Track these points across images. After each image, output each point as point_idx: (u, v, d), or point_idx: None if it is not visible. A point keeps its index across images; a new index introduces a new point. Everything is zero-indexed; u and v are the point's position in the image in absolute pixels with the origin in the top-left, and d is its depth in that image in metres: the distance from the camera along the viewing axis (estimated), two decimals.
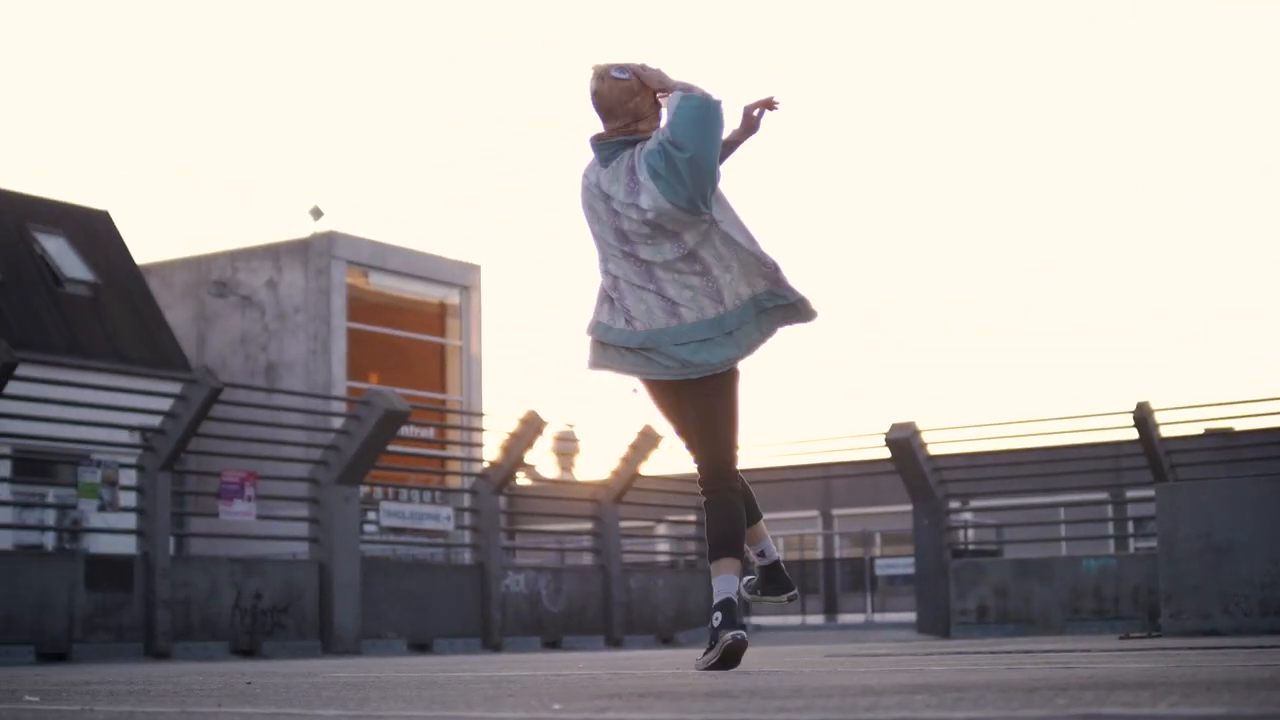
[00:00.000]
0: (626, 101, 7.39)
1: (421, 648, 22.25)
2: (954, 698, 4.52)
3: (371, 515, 24.74)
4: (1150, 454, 23.87)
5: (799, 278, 7.48)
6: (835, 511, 44.80)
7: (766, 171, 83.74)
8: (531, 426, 23.60)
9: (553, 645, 24.07)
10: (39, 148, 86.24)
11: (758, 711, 4.18)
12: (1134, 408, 23.79)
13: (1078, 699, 4.27)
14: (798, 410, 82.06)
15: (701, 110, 7.19)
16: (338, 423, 22.93)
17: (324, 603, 21.35)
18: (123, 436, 22.95)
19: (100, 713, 4.74)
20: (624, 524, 27.46)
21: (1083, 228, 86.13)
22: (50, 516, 28.01)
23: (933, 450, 25.69)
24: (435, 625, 22.76)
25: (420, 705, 4.87)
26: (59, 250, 35.41)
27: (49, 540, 28.65)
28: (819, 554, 37.50)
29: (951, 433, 26.43)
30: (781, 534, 39.05)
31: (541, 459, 37.20)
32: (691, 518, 28.43)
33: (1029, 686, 4.94)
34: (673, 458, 42.61)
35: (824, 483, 40.84)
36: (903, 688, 5.13)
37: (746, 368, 7.61)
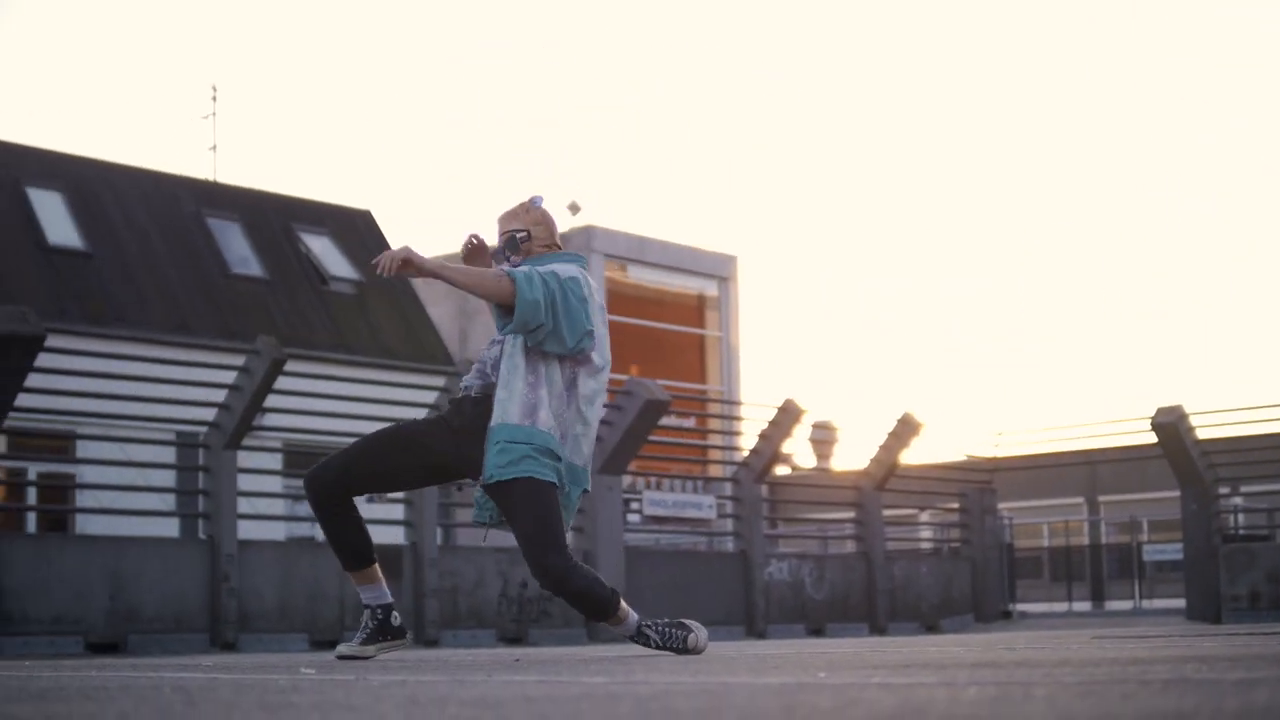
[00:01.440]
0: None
1: None
2: (1226, 665, 4.47)
3: (635, 505, 24.89)
4: None
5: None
6: (1101, 498, 44.17)
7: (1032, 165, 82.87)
8: (790, 415, 23.58)
9: (817, 632, 24.04)
10: (302, 150, 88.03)
11: (1026, 677, 4.17)
12: None
13: None
14: (1062, 396, 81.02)
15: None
16: (604, 414, 23.08)
17: None
18: None
19: (375, 681, 4.87)
20: (887, 512, 27.34)
21: None
22: None
23: (1201, 434, 25.21)
24: (699, 613, 22.73)
25: (685, 673, 4.93)
26: (323, 249, 36.14)
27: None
28: (1085, 540, 36.96)
29: (1220, 416, 25.90)
30: (1046, 520, 38.62)
31: (799, 449, 37.22)
32: (955, 505, 28.22)
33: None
34: (934, 446, 42.22)
35: (1089, 469, 40.31)
36: (1173, 659, 5.09)
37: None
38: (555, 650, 12.04)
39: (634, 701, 3.50)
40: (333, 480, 8.41)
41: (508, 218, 8.43)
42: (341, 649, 8.22)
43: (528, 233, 8.38)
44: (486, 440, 8.07)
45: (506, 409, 8.04)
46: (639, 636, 8.50)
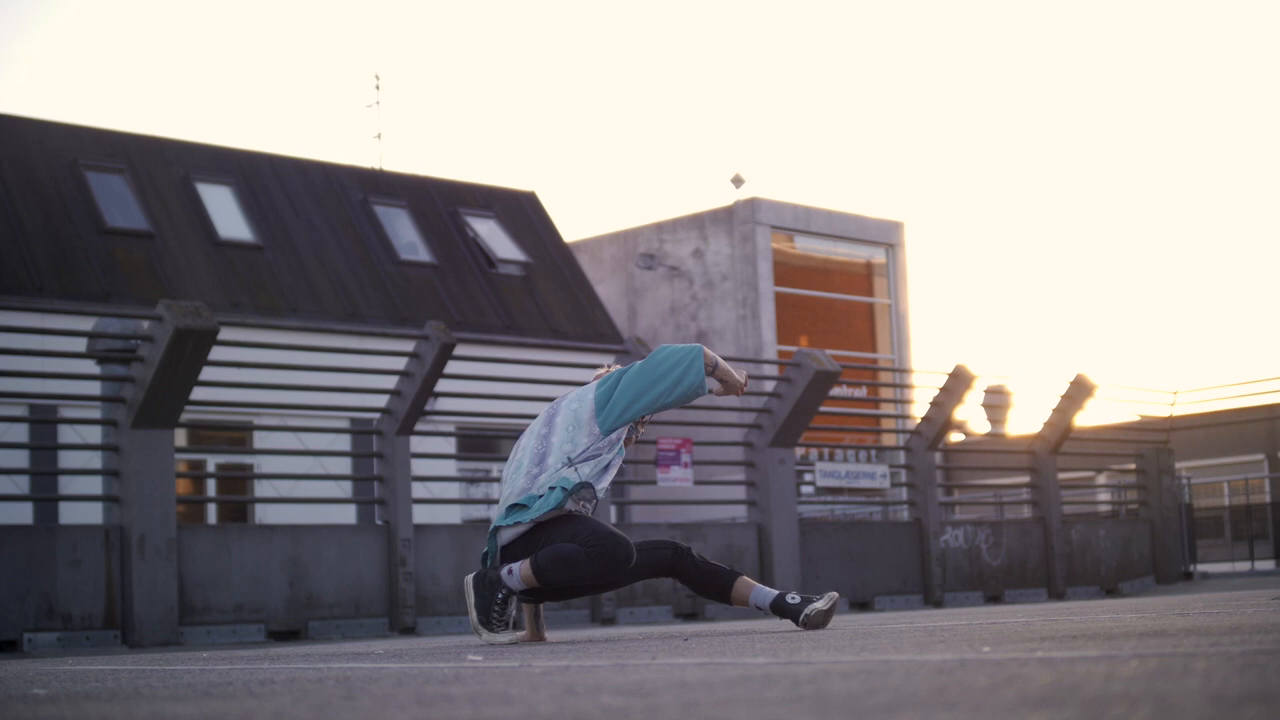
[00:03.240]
0: None
1: (863, 606, 22.29)
2: None
3: (808, 476, 24.84)
4: None
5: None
6: None
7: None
8: (961, 381, 23.43)
9: (995, 599, 23.87)
10: (466, 135, 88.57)
11: (1192, 647, 4.11)
12: None
13: None
14: (1240, 353, 79.81)
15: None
16: (770, 386, 23.04)
17: (764, 564, 21.54)
18: None
19: (538, 667, 4.89)
20: (1062, 475, 27.08)
21: None
22: (495, 490, 28.80)
23: None
24: (875, 583, 22.78)
25: (849, 651, 4.91)
26: (490, 232, 36.38)
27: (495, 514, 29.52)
28: (1266, 498, 36.36)
29: None
30: (1226, 478, 38.05)
31: (973, 414, 36.94)
32: (1131, 466, 27.89)
33: None
34: (1109, 407, 41.84)
35: (1269, 424, 39.69)
36: None
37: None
38: (728, 625, 12.04)
39: (789, 684, 3.49)
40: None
41: None
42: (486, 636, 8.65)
43: None
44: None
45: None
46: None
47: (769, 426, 21.62)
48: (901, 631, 6.62)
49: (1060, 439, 25.24)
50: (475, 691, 3.76)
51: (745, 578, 8.97)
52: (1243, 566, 31.25)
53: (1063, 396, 25.19)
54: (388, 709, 3.38)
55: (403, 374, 18.79)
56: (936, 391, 23.74)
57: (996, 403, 33.22)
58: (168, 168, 32.40)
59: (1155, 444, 27.48)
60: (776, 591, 8.70)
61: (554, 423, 8.94)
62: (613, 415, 8.77)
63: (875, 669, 3.88)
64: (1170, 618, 6.56)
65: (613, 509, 20.90)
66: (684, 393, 8.78)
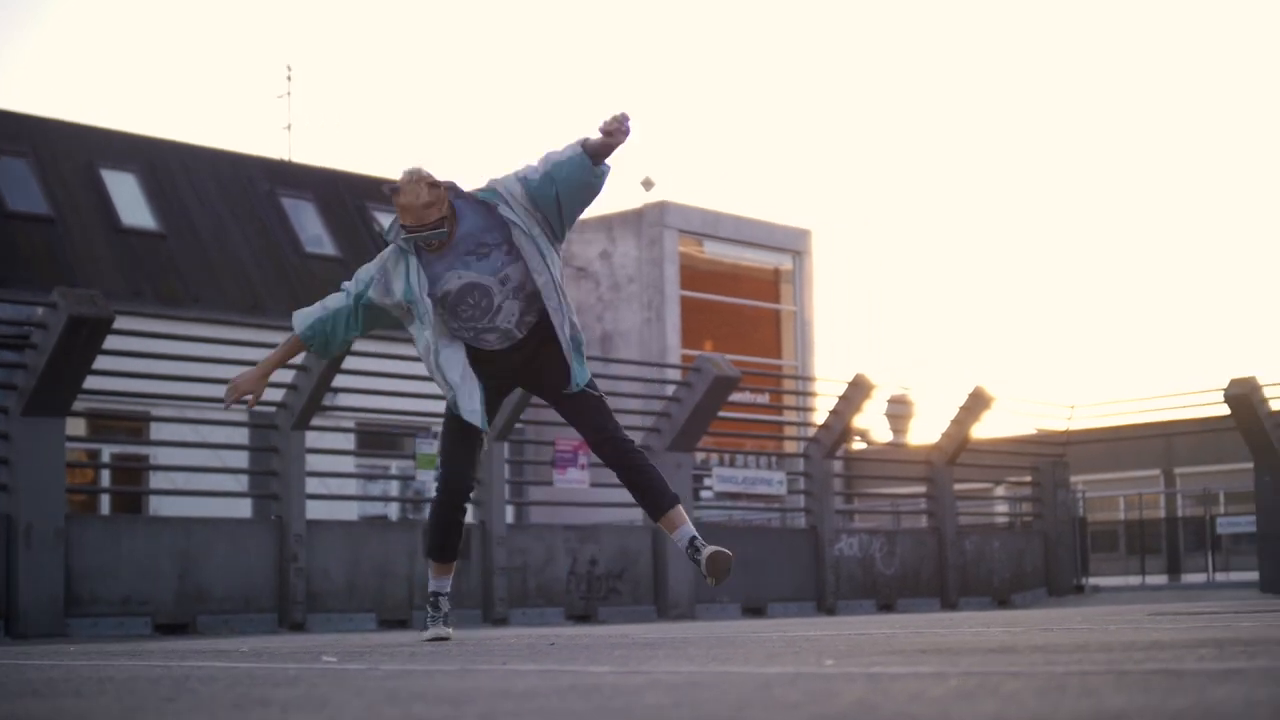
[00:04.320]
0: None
1: (756, 611, 22.35)
2: (1239, 650, 4.43)
3: (707, 481, 24.87)
4: None
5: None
6: (1178, 470, 43.87)
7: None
8: (860, 389, 23.53)
9: (887, 608, 23.99)
10: (377, 128, 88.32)
11: (1024, 666, 4.15)
12: None
13: None
14: (1138, 369, 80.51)
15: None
16: (672, 390, 23.06)
17: (658, 568, 21.57)
18: None
19: (383, 671, 4.88)
20: (960, 486, 27.24)
21: None
22: (394, 488, 28.75)
23: (1276, 405, 25.01)
24: (769, 589, 22.85)
25: (700, 661, 4.92)
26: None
27: (393, 511, 29.43)
28: (1161, 513, 36.71)
29: None
30: (1121, 492, 38.36)
31: (875, 423, 37.11)
32: (1028, 479, 28.10)
33: None
34: (1007, 419, 42.07)
35: (1165, 441, 40.01)
36: (1193, 642, 5.05)
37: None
38: (605, 630, 12.05)
39: (606, 696, 3.50)
40: (471, 481, 9.00)
41: (419, 192, 8.47)
42: (430, 632, 8.66)
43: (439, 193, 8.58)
44: (564, 350, 8.57)
45: (566, 316, 8.58)
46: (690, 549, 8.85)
47: (667, 430, 21.65)
48: (760, 640, 6.64)
49: (957, 450, 25.40)
50: (298, 695, 3.75)
51: (680, 508, 8.99)
52: (1135, 580, 31.53)
53: (961, 408, 25.36)
54: (197, 713, 3.37)
55: (300, 368, 18.71)
56: (836, 400, 23.85)
57: (899, 412, 33.39)
58: (71, 153, 32.12)
59: (1051, 457, 27.69)
60: (692, 534, 8.84)
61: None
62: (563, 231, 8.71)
63: (705, 681, 3.89)
64: (1031, 633, 6.61)
65: (509, 509, 20.87)
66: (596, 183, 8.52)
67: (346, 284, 8.84)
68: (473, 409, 8.50)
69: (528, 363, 8.68)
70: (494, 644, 7.37)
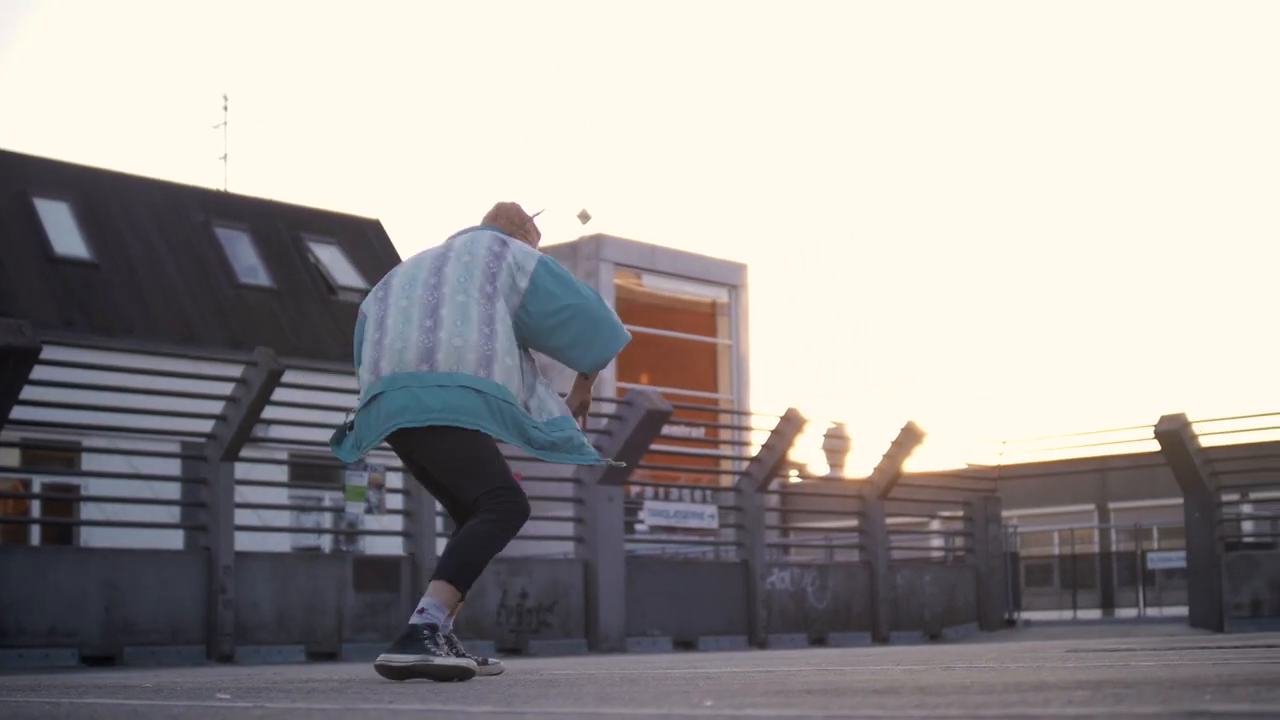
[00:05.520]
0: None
1: (687, 645, 22.37)
2: (1110, 693, 4.49)
3: (641, 514, 24.92)
4: None
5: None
6: (1112, 505, 44.15)
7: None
8: (792, 424, 23.61)
9: (819, 642, 24.04)
10: (313, 160, 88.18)
11: (897, 708, 4.20)
12: None
13: (1227, 695, 4.23)
14: (1071, 404, 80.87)
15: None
16: (604, 423, 23.09)
17: (589, 601, 21.59)
18: None
19: (265, 709, 4.90)
20: (895, 520, 27.35)
21: None
22: (327, 519, 28.70)
23: (1206, 442, 25.19)
24: (701, 623, 22.88)
25: (587, 702, 4.96)
26: (332, 259, 36.19)
27: (325, 543, 29.36)
28: (1094, 548, 36.94)
29: (1226, 423, 25.84)
30: (1056, 528, 38.60)
31: (812, 456, 37.23)
32: (960, 513, 28.22)
33: (1197, 683, 4.89)
34: (939, 454, 42.23)
35: (1100, 476, 40.27)
36: (1076, 684, 5.10)
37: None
38: (522, 665, 12.06)
39: None
40: None
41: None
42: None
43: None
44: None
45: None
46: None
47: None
48: (669, 679, 6.65)
49: (889, 484, 25.49)
50: None
51: (438, 583, 7.48)
52: (1067, 615, 31.68)
53: (893, 443, 25.46)
54: None
55: (229, 399, 18.69)
56: (769, 434, 23.93)
57: (836, 446, 33.50)
58: (4, 181, 32.00)
59: (983, 492, 27.82)
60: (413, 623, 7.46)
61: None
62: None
63: None
64: (931, 672, 6.66)
65: (440, 542, 20.85)
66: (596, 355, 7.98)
67: None
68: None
69: None
70: (370, 678, 7.35)
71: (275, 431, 23.41)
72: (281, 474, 25.25)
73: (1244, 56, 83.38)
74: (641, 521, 25.07)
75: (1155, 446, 25.30)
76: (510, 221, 8.27)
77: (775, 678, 6.50)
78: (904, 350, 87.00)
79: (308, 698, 5.63)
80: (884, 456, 25.55)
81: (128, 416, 19.81)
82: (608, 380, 38.12)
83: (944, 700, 4.50)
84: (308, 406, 20.08)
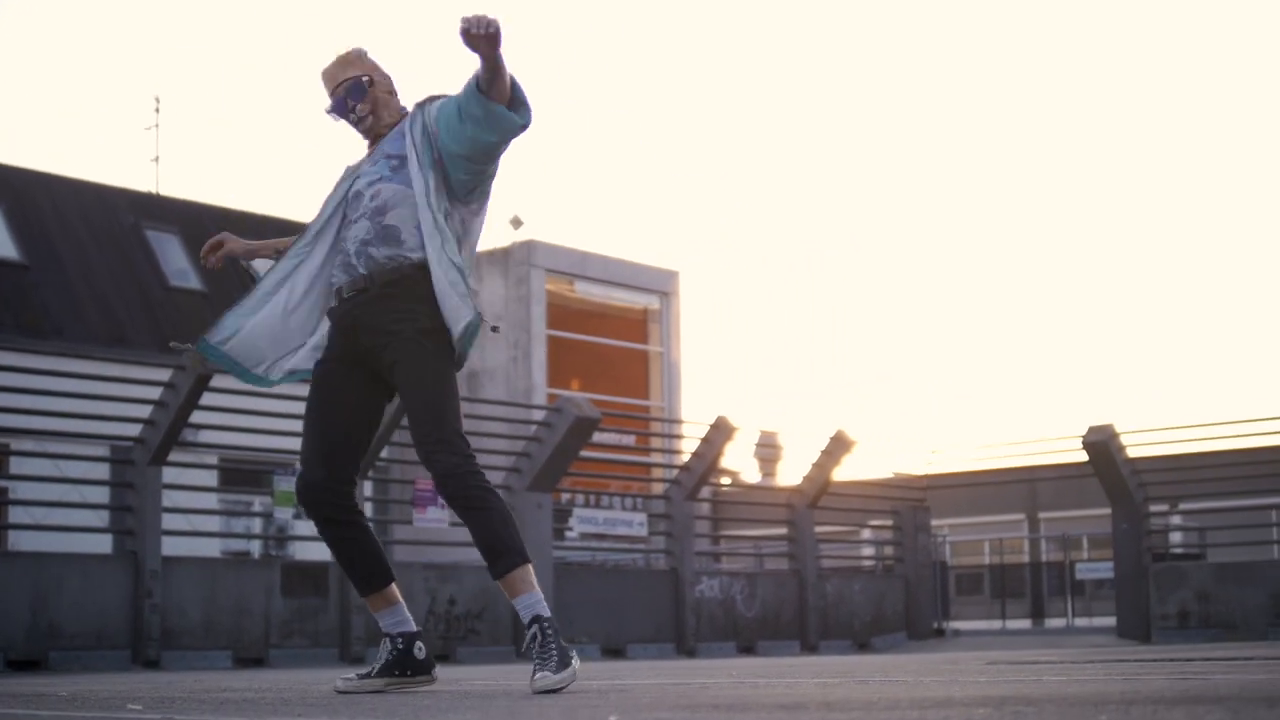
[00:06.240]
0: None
1: (616, 653, 22.39)
2: (1012, 710, 4.54)
3: (572, 521, 24.93)
4: None
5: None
6: (1042, 515, 44.39)
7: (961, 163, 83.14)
8: (722, 432, 23.66)
9: (748, 650, 24.09)
10: (244, 163, 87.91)
11: None
12: None
13: (1124, 714, 4.28)
14: (1000, 414, 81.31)
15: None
16: (534, 430, 23.10)
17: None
18: None
19: None
20: (826, 529, 27.45)
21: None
22: (257, 524, 28.63)
23: (1133, 453, 25.35)
24: (630, 631, 22.90)
25: (489, 716, 4.98)
26: (262, 263, 35.90)
27: (255, 548, 29.28)
28: (1025, 558, 37.15)
29: (1153, 435, 26.02)
30: (986, 537, 38.82)
31: (744, 464, 37.31)
32: (890, 522, 28.33)
33: (1099, 700, 4.95)
34: (869, 463, 42.40)
35: (1030, 486, 40.46)
36: (980, 700, 5.15)
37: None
38: (467, 672, 12.06)
39: None
40: (324, 479, 7.10)
41: (341, 66, 7.30)
42: (341, 683, 7.05)
43: (370, 78, 7.28)
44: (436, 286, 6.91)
45: (454, 260, 6.97)
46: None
47: (527, 470, 21.68)
48: (580, 691, 6.65)
49: (819, 493, 25.57)
50: None
51: (518, 572, 6.91)
52: (995, 625, 31.84)
53: (822, 451, 25.53)
54: None
55: (157, 404, 18.64)
56: (699, 442, 23.98)
57: (768, 455, 33.58)
58: None
59: (912, 501, 27.92)
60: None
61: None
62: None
63: None
64: (845, 687, 6.70)
65: None
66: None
67: None
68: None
69: (354, 326, 7.04)
70: (316, 691, 7.37)
71: (205, 436, 23.33)
72: (210, 478, 25.19)
73: (1176, 64, 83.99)
74: (570, 529, 25.07)
75: (1084, 457, 25.44)
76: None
77: (687, 691, 6.52)
78: (835, 358, 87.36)
79: (218, 710, 5.63)
80: (813, 465, 25.62)
81: (56, 420, 19.74)
82: (539, 386, 38.14)
83: (847, 717, 4.54)
84: (237, 411, 20.04)
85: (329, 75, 7.30)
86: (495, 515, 6.89)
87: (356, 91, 7.21)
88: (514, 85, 6.94)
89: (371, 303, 6.96)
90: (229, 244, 7.43)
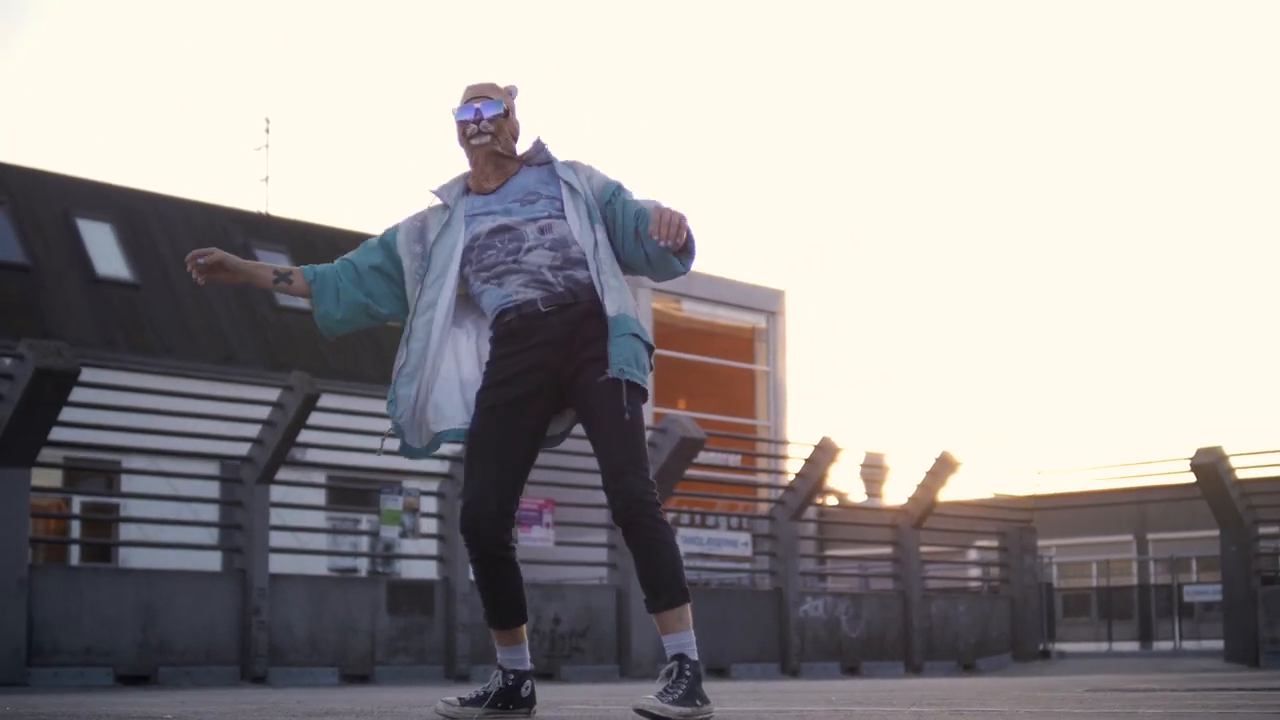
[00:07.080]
0: None
1: (720, 673, 22.37)
2: None
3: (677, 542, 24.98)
4: None
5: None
6: (1150, 536, 44.01)
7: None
8: (826, 452, 23.65)
9: (852, 671, 24.04)
10: (354, 182, 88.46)
11: None
12: None
13: None
14: (1109, 435, 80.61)
15: None
16: None
17: (621, 627, 21.65)
18: (433, 465, 23.47)
19: None
20: (931, 549, 27.35)
21: None
22: (364, 543, 28.79)
23: (1242, 474, 25.14)
24: (734, 650, 22.90)
25: None
26: None
27: (362, 566, 29.46)
28: (1133, 580, 36.83)
29: (1264, 456, 25.77)
30: (1093, 558, 38.51)
31: (850, 484, 37.21)
32: (996, 543, 28.19)
33: None
34: (975, 483, 42.15)
35: (1138, 508, 40.15)
36: None
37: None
38: (553, 693, 12.10)
39: None
40: (495, 511, 6.84)
41: (490, 87, 7.18)
42: (443, 705, 7.01)
43: (509, 111, 7.16)
44: (610, 331, 6.75)
45: (624, 298, 6.84)
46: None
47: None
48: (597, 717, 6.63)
49: (924, 513, 25.50)
50: None
51: (676, 611, 6.71)
52: (1102, 647, 31.60)
53: (928, 472, 25.47)
54: None
55: (266, 423, 18.84)
56: (803, 462, 23.97)
57: (874, 475, 33.49)
58: (48, 202, 32.19)
59: (1019, 522, 27.78)
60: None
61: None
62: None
63: None
64: (938, 718, 6.70)
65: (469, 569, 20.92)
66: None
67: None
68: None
69: (570, 338, 6.80)
70: (416, 715, 7.42)
71: (312, 454, 23.51)
72: (319, 497, 25.39)
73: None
74: None
75: (1192, 479, 25.25)
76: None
77: (761, 716, 6.53)
78: (942, 379, 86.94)
79: None
80: (919, 486, 25.56)
81: (167, 439, 19.98)
82: (645, 406, 38.07)
83: None
84: (345, 431, 20.21)
85: (474, 88, 7.16)
86: (666, 550, 6.68)
87: (491, 108, 7.05)
88: (689, 238, 6.82)
89: (588, 316, 6.82)
90: (227, 263, 7.13)
